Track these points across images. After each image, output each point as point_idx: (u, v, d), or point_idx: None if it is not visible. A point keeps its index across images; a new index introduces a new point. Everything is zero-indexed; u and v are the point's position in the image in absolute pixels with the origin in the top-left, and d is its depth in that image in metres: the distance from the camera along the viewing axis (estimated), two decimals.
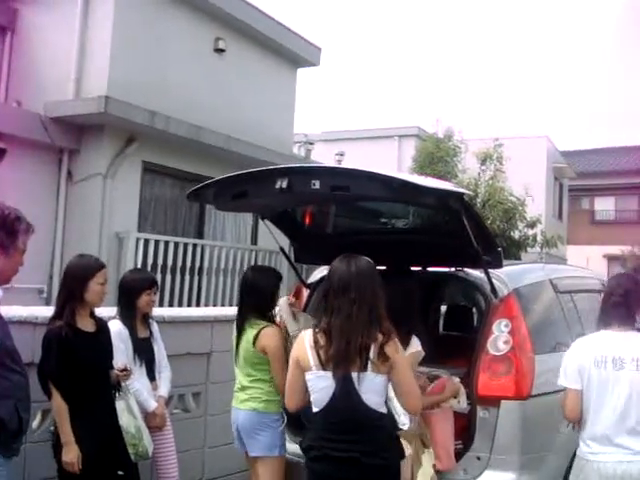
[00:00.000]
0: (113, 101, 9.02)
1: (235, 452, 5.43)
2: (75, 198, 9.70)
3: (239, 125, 10.75)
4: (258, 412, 4.23)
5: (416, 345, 3.87)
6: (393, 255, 4.63)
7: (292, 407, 3.56)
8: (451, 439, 4.05)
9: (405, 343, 3.78)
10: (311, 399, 3.36)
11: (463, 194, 3.81)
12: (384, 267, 4.27)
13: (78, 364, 3.79)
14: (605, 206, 36.33)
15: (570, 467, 4.46)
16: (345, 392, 3.18)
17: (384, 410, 3.27)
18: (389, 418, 3.36)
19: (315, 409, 3.32)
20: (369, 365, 3.15)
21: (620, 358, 3.65)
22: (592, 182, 34.26)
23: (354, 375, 3.15)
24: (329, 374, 3.20)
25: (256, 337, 4.18)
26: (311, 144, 13.82)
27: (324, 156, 14.21)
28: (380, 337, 3.19)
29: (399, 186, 3.56)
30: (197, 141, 9.98)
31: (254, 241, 10.97)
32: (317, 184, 3.65)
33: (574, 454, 4.50)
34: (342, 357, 3.16)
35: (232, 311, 5.61)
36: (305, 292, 5.20)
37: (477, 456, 4.09)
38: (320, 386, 3.26)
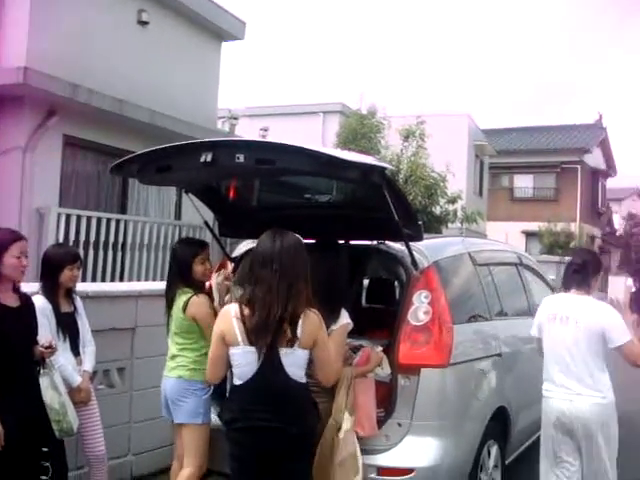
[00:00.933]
0: (32, 72, 8.75)
1: (161, 427, 5.47)
2: None
3: (163, 99, 10.61)
4: (184, 380, 4.32)
5: (345, 317, 3.94)
6: (317, 229, 4.71)
7: (213, 379, 3.74)
8: (373, 407, 4.15)
9: (335, 315, 3.89)
10: (233, 371, 3.48)
11: (385, 168, 3.89)
12: (313, 241, 4.37)
13: (1, 339, 3.71)
14: (524, 183, 37.33)
15: (486, 432, 4.71)
16: (270, 365, 3.34)
17: (304, 381, 3.47)
18: (305, 388, 3.51)
19: (238, 382, 3.44)
20: (295, 340, 3.33)
21: (566, 316, 4.51)
22: (512, 160, 35.12)
23: (279, 349, 3.33)
24: (254, 349, 3.34)
25: (186, 305, 4.30)
26: (235, 119, 13.74)
27: (248, 131, 14.15)
28: (302, 312, 3.33)
29: (323, 160, 3.61)
30: (120, 115, 9.80)
31: (178, 216, 10.89)
32: (242, 157, 3.66)
33: (489, 419, 4.76)
34: (263, 328, 3.30)
35: (157, 286, 5.63)
36: (230, 266, 5.22)
37: (398, 422, 4.22)
38: (247, 360, 3.39)
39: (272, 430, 3.38)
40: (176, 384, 4.37)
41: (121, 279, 9.52)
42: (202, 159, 3.71)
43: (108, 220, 9.69)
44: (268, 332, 3.30)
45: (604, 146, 39.79)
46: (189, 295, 4.34)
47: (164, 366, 4.56)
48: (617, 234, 44.06)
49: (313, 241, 4.30)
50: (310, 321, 3.38)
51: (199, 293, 4.40)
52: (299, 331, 3.34)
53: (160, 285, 4.83)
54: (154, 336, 5.50)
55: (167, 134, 9.69)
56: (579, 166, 35.96)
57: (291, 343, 3.33)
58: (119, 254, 9.30)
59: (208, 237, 10.90)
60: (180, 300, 4.36)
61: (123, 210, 10.25)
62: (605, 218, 42.23)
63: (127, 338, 5.51)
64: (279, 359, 3.33)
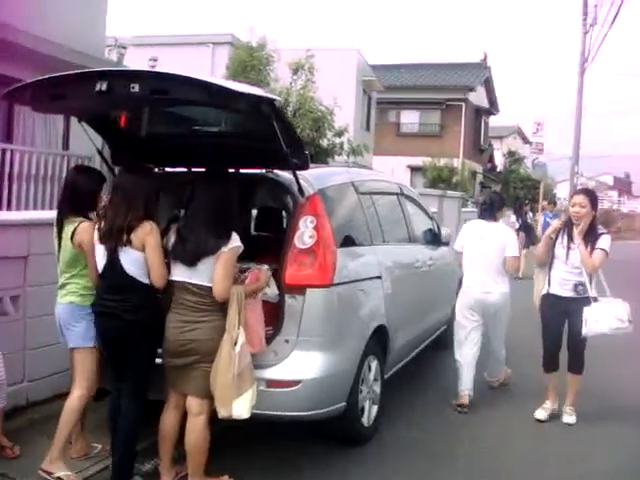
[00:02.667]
0: None
1: (56, 353, 5.52)
2: None
3: (48, 25, 10.18)
4: (75, 305, 4.44)
5: (236, 241, 4.16)
6: (207, 158, 4.89)
7: (95, 281, 4.43)
8: (262, 325, 4.42)
9: (225, 239, 4.12)
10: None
11: (274, 100, 4.11)
12: (204, 169, 4.54)
13: None
14: (410, 119, 38.07)
15: (366, 348, 5.10)
16: (111, 261, 4.19)
17: (143, 280, 4.18)
18: (144, 287, 4.21)
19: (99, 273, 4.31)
20: (129, 242, 4.11)
21: (482, 236, 6.46)
22: (399, 96, 35.63)
23: (118, 248, 4.13)
24: (103, 247, 4.20)
25: (74, 232, 4.38)
26: (124, 48, 13.41)
27: (136, 61, 13.77)
28: (138, 223, 4.12)
29: (215, 91, 3.78)
30: (2, 39, 9.36)
31: (65, 146, 10.64)
32: (136, 87, 3.76)
33: (370, 337, 5.16)
34: (107, 234, 4.18)
35: (50, 215, 5.61)
36: None
37: (286, 339, 4.53)
38: (100, 255, 4.25)
39: (113, 316, 4.18)
40: (68, 309, 4.47)
41: (8, 210, 9.27)
42: (97, 88, 3.79)
43: None
44: (112, 236, 4.13)
45: (488, 85, 40.93)
46: (76, 223, 4.40)
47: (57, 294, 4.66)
48: (497, 170, 45.82)
49: (203, 170, 4.50)
50: (142, 229, 4.13)
51: (85, 220, 4.46)
52: (133, 236, 4.10)
53: (54, 214, 4.85)
54: (48, 264, 5.51)
55: (54, 62, 9.32)
56: (463, 104, 36.96)
57: (126, 244, 4.11)
58: (5, 185, 9.03)
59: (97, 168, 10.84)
60: (68, 229, 4.41)
61: (9, 139, 9.92)
62: (487, 155, 43.77)
63: (20, 266, 5.46)
64: (118, 256, 4.15)
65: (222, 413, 4.15)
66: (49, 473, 4.27)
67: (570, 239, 5.91)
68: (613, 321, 5.69)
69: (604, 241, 5.88)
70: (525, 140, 50.20)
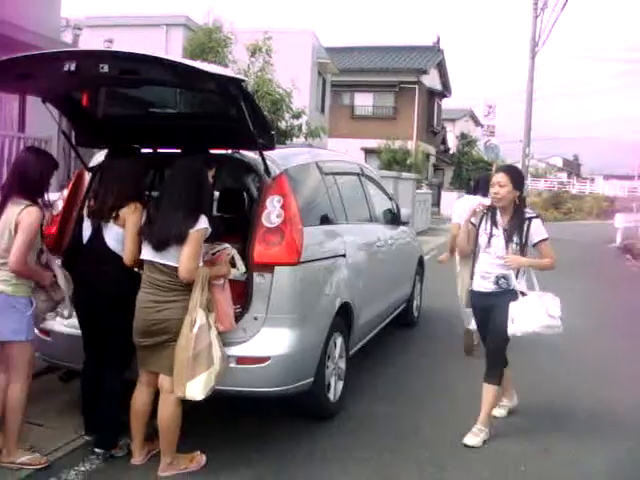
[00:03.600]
0: None
1: None
2: None
3: (3, 5, 9.98)
4: (7, 295, 4.13)
5: (203, 222, 4.19)
6: (173, 139, 4.91)
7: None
8: (230, 304, 4.48)
9: (193, 220, 4.15)
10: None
11: (242, 80, 4.17)
12: (178, 150, 4.56)
13: None
14: (364, 102, 38.22)
15: (332, 325, 5.20)
16: (96, 235, 4.46)
17: (121, 255, 4.39)
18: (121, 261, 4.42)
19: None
20: (116, 219, 4.37)
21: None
22: (353, 78, 35.73)
23: (102, 224, 4.40)
24: (90, 222, 4.51)
25: (18, 215, 4.10)
26: (79, 29, 13.22)
27: (91, 42, 13.62)
28: (126, 203, 4.36)
29: (185, 71, 3.82)
30: None
31: (21, 128, 10.47)
32: (106, 67, 3.78)
33: (335, 314, 5.25)
34: (97, 212, 4.45)
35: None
36: (87, 175, 5.33)
37: (254, 317, 4.58)
38: (86, 228, 4.55)
39: (90, 286, 4.41)
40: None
41: None
42: (65, 68, 3.80)
43: None
44: (102, 213, 4.42)
45: (441, 68, 41.26)
46: (23, 206, 4.11)
47: None
48: (450, 152, 46.32)
49: (177, 150, 4.53)
50: (128, 208, 4.37)
51: (32, 205, 4.17)
52: (120, 212, 4.36)
53: None
54: None
55: (9, 43, 9.18)
56: (417, 86, 37.21)
57: (109, 220, 4.37)
58: None
59: (54, 152, 10.71)
60: (13, 212, 4.12)
61: None
62: (440, 137, 44.20)
63: None
64: (101, 231, 4.42)
65: (177, 393, 4.20)
66: (12, 463, 4.25)
67: (494, 225, 5.11)
68: (544, 318, 4.91)
69: (538, 228, 5.06)
70: (477, 123, 50.80)
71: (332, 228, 5.59)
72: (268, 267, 4.60)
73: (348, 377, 5.68)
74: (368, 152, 35.06)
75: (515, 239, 5.00)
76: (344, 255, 5.58)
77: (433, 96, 40.19)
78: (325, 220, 5.51)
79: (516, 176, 5.09)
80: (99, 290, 4.40)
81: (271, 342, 4.60)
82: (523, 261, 5.01)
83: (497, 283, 5.06)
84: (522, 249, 5.02)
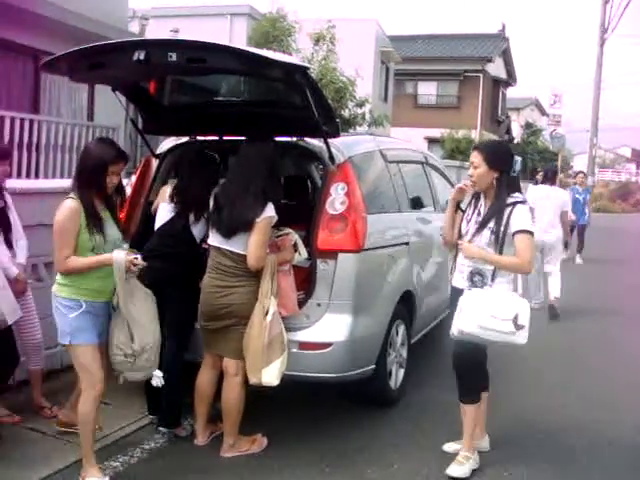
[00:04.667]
0: None
1: None
2: None
3: None
4: (54, 294, 3.98)
5: (270, 210, 4.22)
6: (240, 126, 4.96)
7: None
8: (293, 289, 4.54)
9: (261, 209, 4.18)
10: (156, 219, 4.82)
11: (307, 68, 4.19)
12: (244, 137, 4.62)
13: None
14: (427, 91, 37.88)
15: (394, 313, 5.20)
16: (178, 221, 4.63)
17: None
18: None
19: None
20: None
21: (547, 195, 9.29)
22: (416, 67, 35.45)
23: (190, 217, 4.59)
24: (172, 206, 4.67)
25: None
26: (146, 19, 13.47)
27: (157, 32, 13.84)
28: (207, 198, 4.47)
29: (251, 59, 3.87)
30: (31, 12, 9.44)
31: (90, 117, 10.74)
32: (174, 56, 3.85)
33: (398, 301, 5.25)
34: (186, 207, 4.62)
35: None
36: (154, 162, 5.44)
37: (318, 303, 4.61)
38: (165, 211, 4.69)
39: (161, 259, 4.49)
40: (52, 299, 4.01)
41: (36, 179, 9.42)
42: (135, 57, 3.87)
43: (22, 120, 9.38)
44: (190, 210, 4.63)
45: (506, 56, 40.59)
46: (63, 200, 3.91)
47: None
48: (515, 142, 45.55)
49: (244, 137, 4.57)
50: None
51: (73, 197, 3.90)
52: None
53: None
54: None
55: (79, 33, 9.43)
56: (481, 75, 36.72)
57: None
58: (33, 155, 9.15)
59: (121, 140, 10.95)
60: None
61: (36, 110, 10.04)
62: (504, 126, 43.47)
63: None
64: (188, 221, 4.60)
65: (252, 380, 4.28)
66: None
67: (476, 211, 4.36)
68: (484, 318, 3.97)
69: (520, 216, 4.16)
70: (542, 112, 49.79)
71: (396, 216, 5.59)
72: (332, 254, 4.62)
73: (409, 366, 5.69)
74: (431, 141, 34.78)
75: (491, 226, 4.19)
76: (407, 243, 5.57)
77: (498, 85, 39.58)
78: (389, 208, 5.50)
79: (491, 154, 4.25)
80: (168, 265, 4.52)
81: (334, 328, 4.62)
82: (474, 251, 4.21)
83: (471, 280, 4.26)
84: (498, 239, 4.16)
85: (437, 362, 6.62)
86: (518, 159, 4.83)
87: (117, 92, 4.95)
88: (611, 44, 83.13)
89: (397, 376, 5.45)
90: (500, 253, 4.16)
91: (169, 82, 5.00)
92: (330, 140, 4.68)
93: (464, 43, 37.53)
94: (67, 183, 6.24)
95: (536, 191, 9.61)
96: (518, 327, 3.98)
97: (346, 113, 16.98)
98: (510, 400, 5.73)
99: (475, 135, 34.54)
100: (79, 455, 4.05)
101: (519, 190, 4.32)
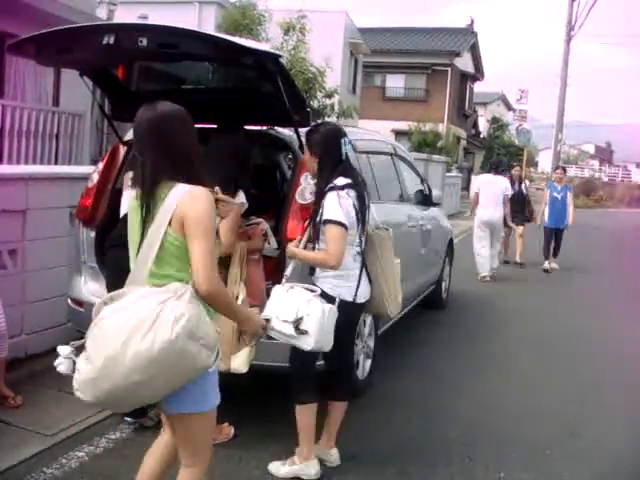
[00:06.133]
0: None
1: (55, 307, 5.61)
2: None
3: None
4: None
5: (240, 197, 4.21)
6: (209, 115, 4.91)
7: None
8: (262, 279, 4.51)
9: (232, 195, 4.12)
10: None
11: (280, 56, 4.15)
12: (215, 125, 4.56)
13: None
14: (395, 83, 38.00)
15: None
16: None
17: None
18: None
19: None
20: None
21: (492, 182, 11.58)
22: (385, 60, 35.53)
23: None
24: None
25: None
26: (114, 5, 13.29)
27: (125, 19, 13.66)
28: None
29: (223, 46, 3.82)
30: None
31: (56, 102, 10.58)
32: (144, 41, 3.78)
33: None
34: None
35: (48, 169, 5.58)
36: (122, 149, 5.37)
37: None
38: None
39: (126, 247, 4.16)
40: None
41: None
42: (104, 41, 3.80)
43: None
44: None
45: (474, 51, 40.88)
46: None
47: (57, 249, 4.55)
48: (481, 136, 45.94)
49: (214, 125, 4.53)
50: None
51: None
52: None
53: (52, 169, 4.82)
54: (46, 219, 5.57)
55: (45, 16, 9.25)
56: (449, 69, 36.95)
57: None
58: None
59: (86, 128, 10.81)
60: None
61: (0, 95, 9.84)
62: (471, 121, 43.85)
63: (18, 221, 5.43)
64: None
65: (221, 367, 4.23)
66: None
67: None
68: (274, 320, 3.71)
69: (328, 205, 3.90)
70: (509, 107, 50.25)
71: None
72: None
73: (378, 357, 5.70)
74: (398, 134, 34.85)
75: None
76: None
77: (465, 79, 39.85)
78: None
79: (309, 139, 4.11)
80: None
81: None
82: (290, 252, 4.14)
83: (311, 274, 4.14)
84: (315, 230, 4.00)
85: (405, 351, 6.68)
86: (347, 140, 4.23)
87: (85, 77, 4.87)
88: (578, 42, 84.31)
89: (364, 366, 5.45)
90: (313, 248, 4.00)
91: (138, 68, 4.93)
92: (301, 129, 4.66)
93: (433, 37, 37.71)
94: (31, 169, 6.25)
95: (481, 178, 12.31)
96: (300, 332, 3.69)
97: (315, 104, 16.97)
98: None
99: (442, 128, 34.74)
100: (44, 445, 4.00)
101: (348, 175, 4.01)
